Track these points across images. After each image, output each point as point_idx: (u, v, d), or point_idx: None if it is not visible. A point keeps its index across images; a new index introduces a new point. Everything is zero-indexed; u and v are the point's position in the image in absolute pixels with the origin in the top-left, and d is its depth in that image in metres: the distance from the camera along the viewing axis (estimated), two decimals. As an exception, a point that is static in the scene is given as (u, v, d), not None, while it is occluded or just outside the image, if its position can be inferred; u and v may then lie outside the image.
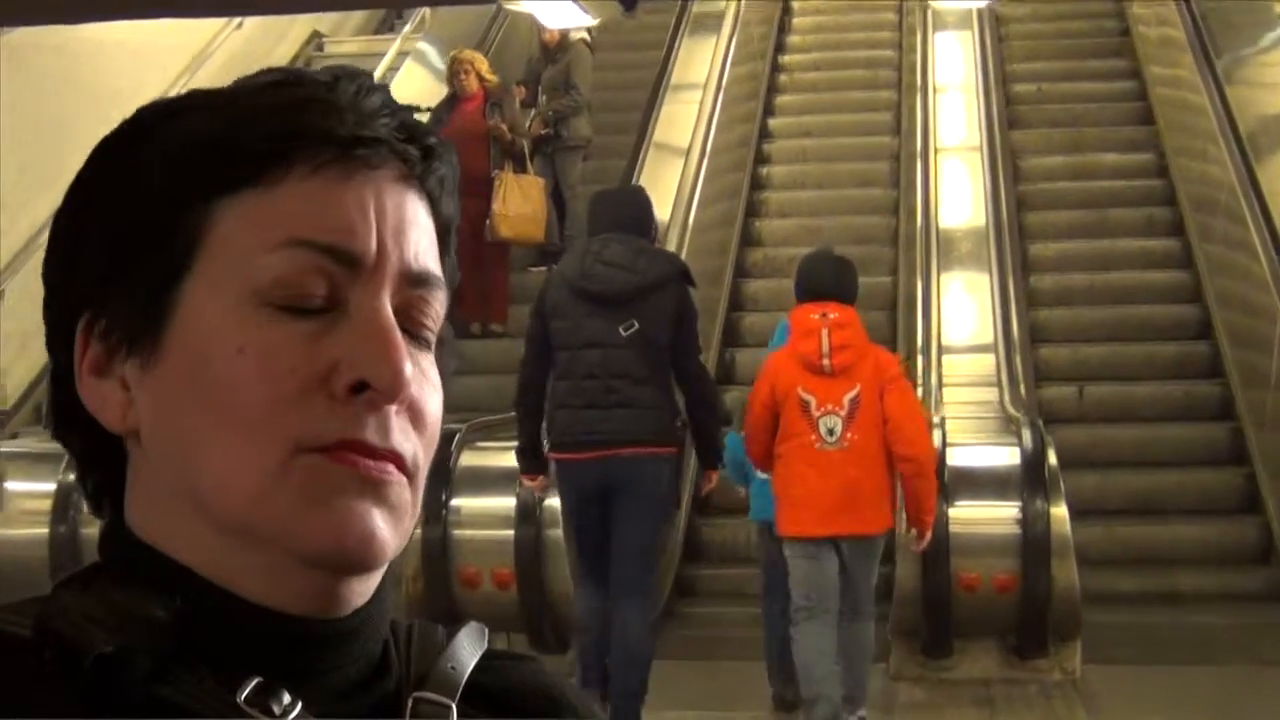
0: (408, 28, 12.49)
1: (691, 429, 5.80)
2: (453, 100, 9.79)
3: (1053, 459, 6.77)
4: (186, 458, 0.77)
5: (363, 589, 0.80)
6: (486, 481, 6.92)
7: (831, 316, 5.69)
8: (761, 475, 5.94)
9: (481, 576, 6.78)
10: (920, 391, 7.63)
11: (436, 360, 0.82)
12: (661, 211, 7.70)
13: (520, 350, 5.98)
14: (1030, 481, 6.66)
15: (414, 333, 0.80)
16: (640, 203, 6.02)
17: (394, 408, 0.77)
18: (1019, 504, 6.63)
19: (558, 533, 6.61)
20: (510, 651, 0.90)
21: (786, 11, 13.31)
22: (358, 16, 13.06)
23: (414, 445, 0.79)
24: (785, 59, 12.86)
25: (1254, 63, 10.13)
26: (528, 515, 6.72)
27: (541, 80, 10.72)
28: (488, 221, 9.45)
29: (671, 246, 8.60)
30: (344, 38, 12.90)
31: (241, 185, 0.78)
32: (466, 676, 0.83)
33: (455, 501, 6.85)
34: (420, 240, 0.81)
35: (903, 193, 10.83)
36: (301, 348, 0.76)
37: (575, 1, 7.75)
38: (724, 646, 7.19)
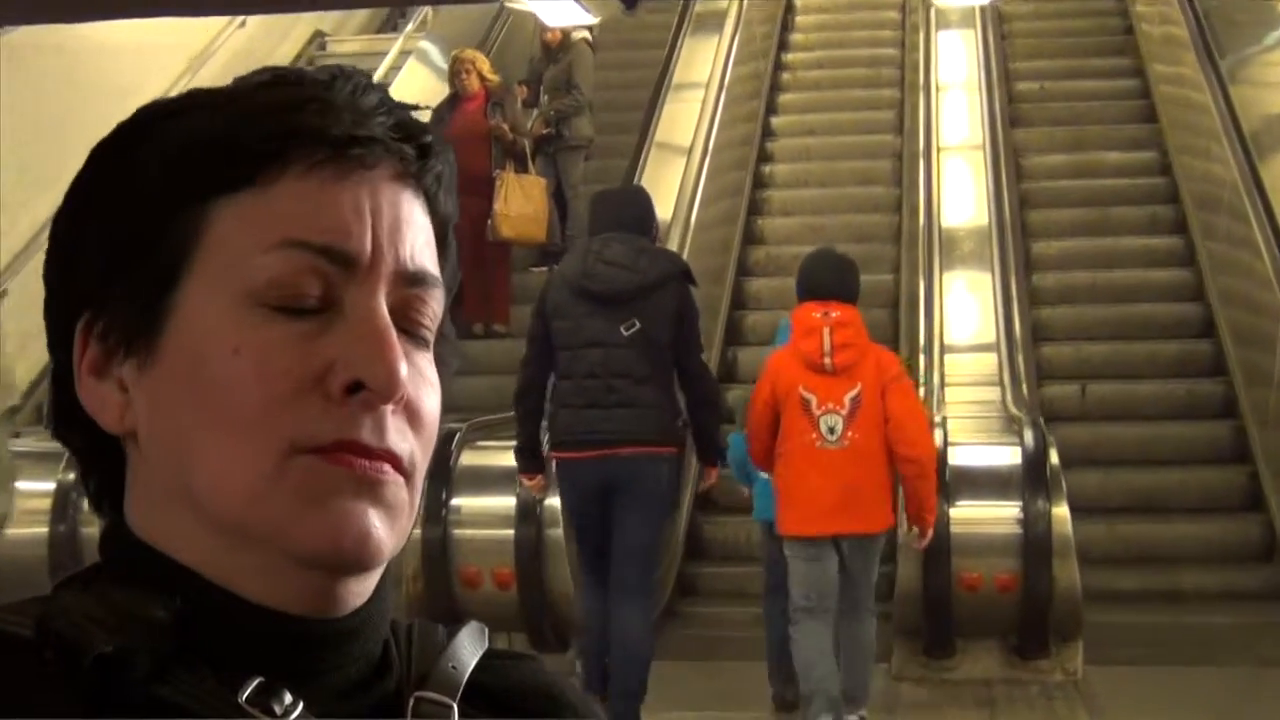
0: (410, 27, 12.49)
1: (693, 428, 5.79)
2: (454, 100, 9.78)
3: (1054, 459, 6.76)
4: (183, 458, 0.77)
5: (361, 589, 0.79)
6: (487, 481, 6.91)
7: (833, 315, 5.68)
8: (764, 475, 5.93)
9: (482, 576, 6.78)
10: (922, 390, 7.62)
11: (436, 359, 0.82)
12: (663, 210, 7.70)
13: (522, 350, 5.98)
14: (1032, 481, 6.65)
15: (411, 332, 0.80)
16: (641, 202, 6.02)
17: (390, 407, 0.77)
18: (1020, 504, 6.62)
19: (558, 532, 6.61)
20: (511, 651, 0.90)
21: (789, 10, 13.32)
22: (360, 15, 13.06)
23: (411, 445, 0.78)
24: (788, 57, 12.87)
25: (1257, 61, 10.12)
26: (528, 515, 6.72)
27: (543, 80, 10.73)
28: (489, 221, 9.44)
29: (674, 244, 8.60)
30: (346, 37, 12.91)
31: (238, 185, 0.78)
32: (467, 676, 0.83)
33: (455, 501, 6.84)
34: (416, 239, 0.80)
35: (905, 191, 10.82)
36: (296, 348, 0.76)
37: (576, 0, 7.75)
38: (725, 646, 7.18)
